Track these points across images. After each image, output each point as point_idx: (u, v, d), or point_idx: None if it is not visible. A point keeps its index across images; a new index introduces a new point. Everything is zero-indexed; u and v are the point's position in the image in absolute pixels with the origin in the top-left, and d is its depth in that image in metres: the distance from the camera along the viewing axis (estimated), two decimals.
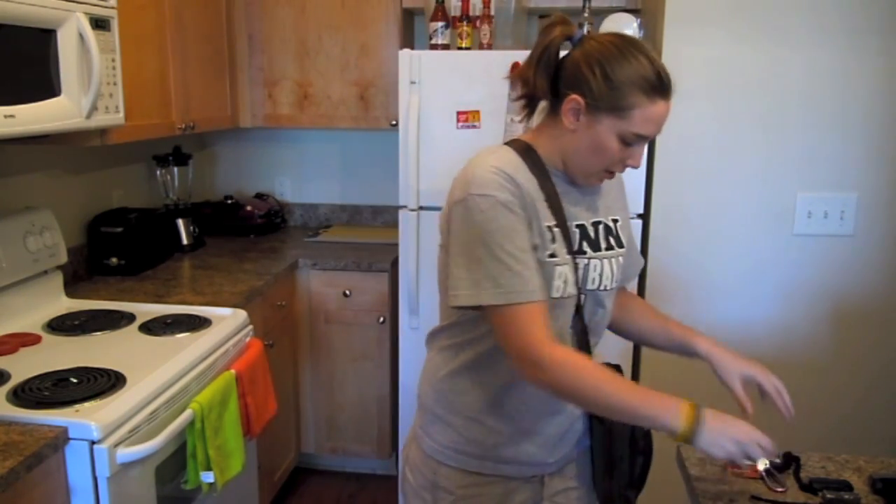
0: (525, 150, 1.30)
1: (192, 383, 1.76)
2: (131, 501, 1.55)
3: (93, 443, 1.44)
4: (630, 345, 2.50)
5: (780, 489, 1.27)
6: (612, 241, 1.36)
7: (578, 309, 1.31)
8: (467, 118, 2.43)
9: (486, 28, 2.60)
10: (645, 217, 2.44)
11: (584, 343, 1.34)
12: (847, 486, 1.26)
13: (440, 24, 2.62)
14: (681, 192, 2.39)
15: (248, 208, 3.20)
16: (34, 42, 1.68)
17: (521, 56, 2.37)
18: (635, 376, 2.55)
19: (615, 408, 1.22)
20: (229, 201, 3.23)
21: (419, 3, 2.88)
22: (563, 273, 1.26)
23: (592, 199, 1.35)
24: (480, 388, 1.35)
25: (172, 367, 1.74)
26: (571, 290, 1.28)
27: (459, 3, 2.62)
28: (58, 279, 2.21)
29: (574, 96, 1.22)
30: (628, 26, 2.45)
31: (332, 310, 2.86)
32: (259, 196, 3.32)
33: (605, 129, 1.22)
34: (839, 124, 2.28)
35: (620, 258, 1.36)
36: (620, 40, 1.21)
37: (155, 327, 2.00)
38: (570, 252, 1.28)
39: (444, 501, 1.39)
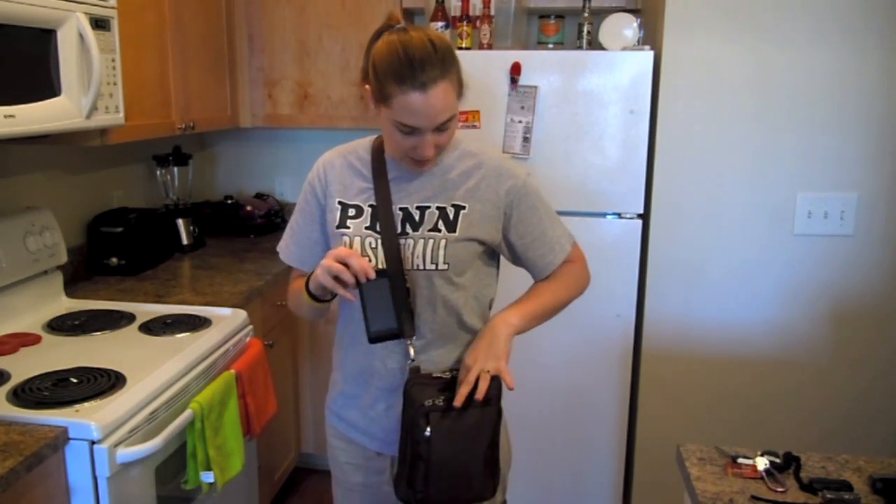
0: (379, 139, 1.47)
1: (192, 383, 1.76)
2: (131, 501, 1.56)
3: (93, 443, 1.44)
4: (631, 342, 2.51)
5: (780, 489, 1.26)
6: (439, 223, 1.40)
7: (394, 283, 1.37)
8: (467, 118, 2.43)
9: (486, 28, 2.60)
10: (645, 217, 2.44)
11: (405, 318, 1.38)
12: (847, 486, 1.26)
13: (440, 24, 2.62)
14: (681, 192, 2.39)
15: (248, 208, 3.20)
16: (34, 42, 1.68)
17: (522, 56, 2.40)
18: (635, 375, 2.55)
19: (298, 302, 1.51)
20: (229, 201, 3.22)
21: (419, 4, 2.88)
22: (353, 244, 1.41)
23: (424, 186, 1.42)
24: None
25: (172, 367, 1.74)
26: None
27: (459, 3, 2.62)
28: (58, 279, 2.21)
29: (366, 86, 1.36)
30: (628, 26, 2.45)
31: (333, 309, 2.85)
32: (259, 196, 3.32)
33: (384, 118, 1.34)
34: (839, 124, 2.28)
35: (444, 241, 1.39)
36: (398, 35, 1.31)
37: (155, 327, 2.00)
38: (373, 228, 1.41)
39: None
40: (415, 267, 1.39)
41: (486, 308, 1.51)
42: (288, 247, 1.56)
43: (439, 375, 1.39)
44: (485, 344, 1.37)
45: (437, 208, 1.41)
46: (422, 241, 1.39)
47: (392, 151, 1.40)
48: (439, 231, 1.39)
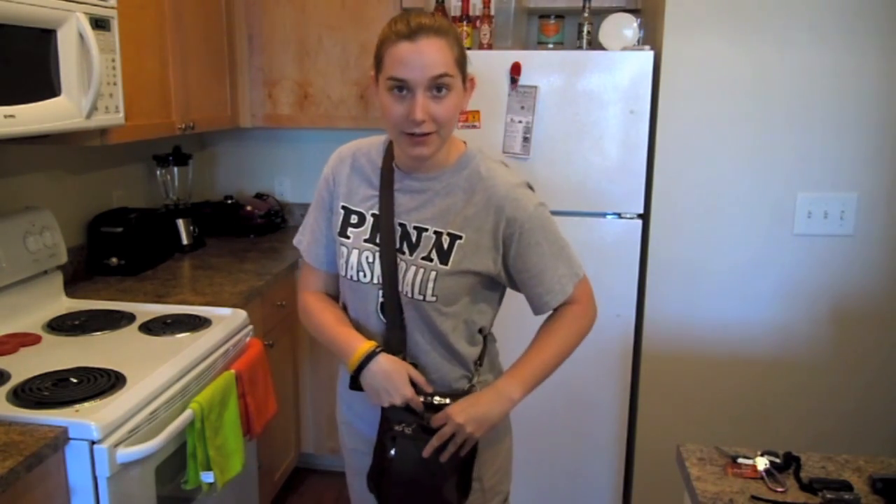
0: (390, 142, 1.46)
1: (192, 383, 1.76)
2: (131, 501, 1.56)
3: (93, 443, 1.44)
4: (631, 343, 2.51)
5: (780, 489, 1.26)
6: (433, 253, 1.37)
7: (389, 300, 1.39)
8: (467, 118, 2.43)
9: (486, 28, 2.60)
10: (645, 217, 2.44)
11: (396, 334, 1.41)
12: (847, 486, 1.26)
13: None
14: (680, 192, 2.39)
15: (248, 208, 3.20)
16: (34, 42, 1.68)
17: (522, 56, 2.40)
18: (635, 375, 2.55)
19: (324, 339, 1.47)
20: (229, 201, 3.22)
21: (419, 3, 2.88)
22: (350, 256, 1.41)
23: (425, 204, 1.39)
24: None
25: (172, 367, 1.74)
26: (364, 278, 1.41)
27: (459, 3, 2.62)
28: (58, 279, 2.21)
29: (371, 73, 1.37)
30: (628, 26, 2.45)
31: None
32: (259, 196, 3.32)
33: (381, 88, 1.33)
34: (839, 124, 2.28)
35: (434, 273, 1.36)
36: (399, 14, 1.33)
37: (155, 327, 2.00)
38: (372, 241, 1.40)
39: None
40: (404, 294, 1.38)
41: (476, 332, 1.46)
42: (308, 245, 1.53)
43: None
44: (480, 410, 1.36)
45: (435, 233, 1.38)
46: (413, 268, 1.37)
47: (393, 134, 1.36)
48: (431, 261, 1.37)
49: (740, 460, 1.34)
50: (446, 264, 1.36)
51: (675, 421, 2.52)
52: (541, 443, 2.60)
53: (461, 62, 1.32)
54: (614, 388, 2.53)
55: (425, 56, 1.26)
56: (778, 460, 1.33)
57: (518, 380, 1.40)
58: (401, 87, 1.28)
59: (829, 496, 1.23)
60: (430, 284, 1.36)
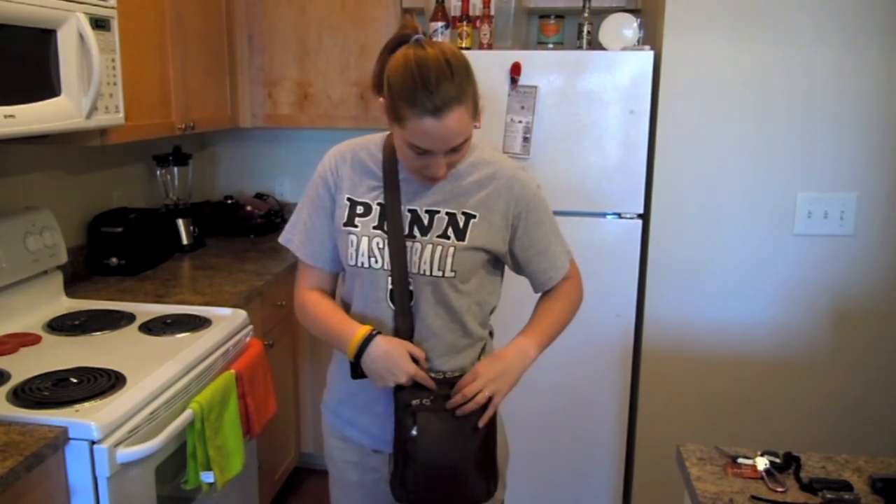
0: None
1: (192, 383, 1.76)
2: (131, 501, 1.56)
3: (93, 443, 1.44)
4: (631, 342, 2.51)
5: (780, 489, 1.26)
6: (449, 230, 1.40)
7: (398, 285, 1.39)
8: None
9: (486, 28, 2.60)
10: (645, 217, 2.44)
11: (404, 320, 1.40)
12: (847, 486, 1.26)
13: (440, 24, 2.62)
14: (680, 192, 2.39)
15: (248, 208, 3.20)
16: (34, 42, 1.68)
17: (522, 56, 2.40)
18: (635, 375, 2.55)
19: (321, 333, 1.47)
20: (229, 201, 3.22)
21: (419, 3, 2.88)
22: (360, 243, 1.40)
23: (434, 189, 1.41)
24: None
25: (172, 367, 1.74)
26: (375, 263, 1.40)
27: (459, 3, 2.62)
28: (58, 279, 2.21)
29: (381, 99, 1.33)
30: (628, 26, 2.45)
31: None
32: (259, 196, 3.32)
33: (397, 135, 1.33)
34: (839, 124, 2.28)
35: (452, 248, 1.38)
36: (414, 52, 1.27)
37: (155, 327, 2.00)
38: (381, 228, 1.40)
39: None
40: (421, 272, 1.39)
41: (487, 315, 1.51)
42: (301, 243, 1.52)
43: (431, 376, 1.39)
44: (500, 367, 1.39)
45: (447, 214, 1.40)
46: (430, 246, 1.38)
47: (404, 165, 1.40)
48: (448, 238, 1.39)
49: (740, 460, 1.34)
50: (463, 240, 1.39)
51: (675, 421, 2.52)
52: (541, 443, 2.60)
53: (476, 108, 1.33)
54: (614, 387, 2.53)
55: (450, 131, 1.28)
56: (778, 460, 1.33)
57: (532, 339, 1.46)
58: (422, 151, 1.31)
59: (829, 496, 1.23)
60: (449, 260, 1.38)
